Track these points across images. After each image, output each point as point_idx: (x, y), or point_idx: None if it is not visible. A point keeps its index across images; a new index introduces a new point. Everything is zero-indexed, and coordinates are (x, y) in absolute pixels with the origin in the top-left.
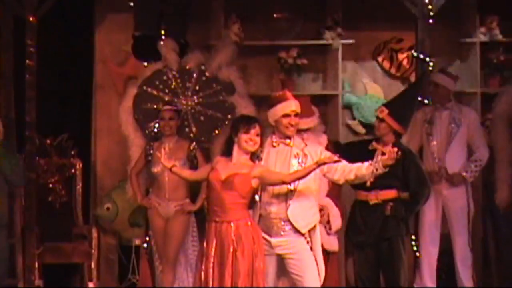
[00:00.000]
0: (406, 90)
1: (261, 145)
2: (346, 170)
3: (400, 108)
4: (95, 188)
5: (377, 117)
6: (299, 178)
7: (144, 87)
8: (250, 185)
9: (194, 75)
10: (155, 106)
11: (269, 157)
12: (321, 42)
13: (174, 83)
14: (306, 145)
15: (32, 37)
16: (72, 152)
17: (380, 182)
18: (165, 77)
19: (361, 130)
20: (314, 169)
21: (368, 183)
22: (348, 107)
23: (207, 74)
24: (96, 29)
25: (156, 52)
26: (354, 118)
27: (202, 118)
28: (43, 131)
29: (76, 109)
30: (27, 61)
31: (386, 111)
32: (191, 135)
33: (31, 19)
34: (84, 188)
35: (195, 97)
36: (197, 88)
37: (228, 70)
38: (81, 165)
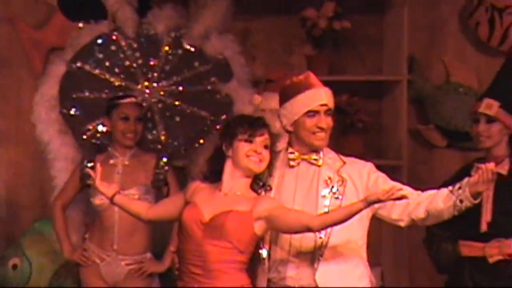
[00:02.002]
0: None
1: (271, 164)
2: (412, 204)
3: None
4: None
5: (479, 117)
6: (334, 224)
7: (78, 64)
8: (252, 232)
9: (164, 46)
10: (96, 96)
11: (284, 184)
12: None
13: (129, 58)
14: (344, 163)
15: None
16: None
17: (504, 224)
18: (113, 47)
19: (440, 140)
20: (360, 210)
21: (484, 227)
22: (418, 101)
23: (185, 45)
24: None
25: (98, 6)
26: (427, 121)
27: (177, 118)
28: None
29: None
30: None
31: (496, 104)
32: (159, 145)
33: None
34: None
35: (164, 83)
36: (167, 67)
37: (221, 40)
38: None
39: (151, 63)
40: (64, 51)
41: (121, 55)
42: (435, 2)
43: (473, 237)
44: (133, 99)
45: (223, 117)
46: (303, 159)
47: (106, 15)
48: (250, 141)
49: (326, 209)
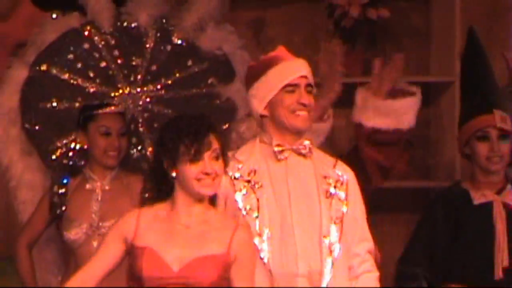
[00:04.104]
0: None
1: (225, 169)
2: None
3: None
4: None
5: (488, 134)
6: None
7: (44, 66)
8: (228, 275)
9: (148, 41)
10: (67, 106)
11: (274, 183)
12: None
13: (106, 58)
14: (336, 160)
15: None
16: None
17: None
18: (86, 45)
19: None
20: None
21: (499, 273)
22: None
23: (174, 39)
24: None
25: None
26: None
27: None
28: None
29: None
30: None
31: (509, 117)
32: (146, 164)
33: None
34: None
35: (150, 87)
36: (154, 67)
37: (219, 32)
38: None
39: (133, 63)
40: (25, 51)
41: (96, 55)
42: None
43: (483, 285)
44: (114, 108)
45: (225, 126)
46: (290, 149)
47: (76, 5)
48: (197, 160)
49: (329, 213)
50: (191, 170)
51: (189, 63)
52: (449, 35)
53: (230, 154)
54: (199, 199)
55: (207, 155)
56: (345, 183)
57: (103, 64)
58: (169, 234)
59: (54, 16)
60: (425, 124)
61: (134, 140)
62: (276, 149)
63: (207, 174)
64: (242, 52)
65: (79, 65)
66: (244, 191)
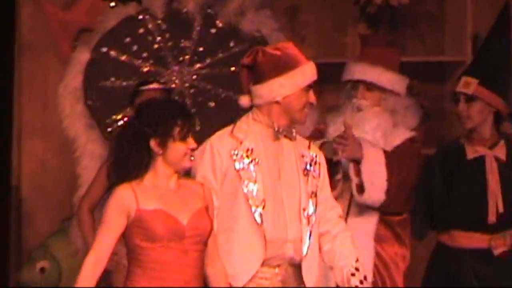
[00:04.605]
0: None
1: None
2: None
3: (494, 70)
4: (19, 233)
5: (458, 97)
6: None
7: (103, 49)
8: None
9: (195, 25)
10: (124, 84)
11: (268, 159)
12: None
13: (158, 41)
14: (310, 142)
15: None
16: None
17: (509, 214)
18: (141, 30)
19: (508, 128)
20: None
21: (493, 218)
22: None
23: (218, 23)
24: None
25: None
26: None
27: (211, 103)
28: None
29: None
30: None
31: (475, 82)
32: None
33: None
34: None
35: (197, 66)
36: (200, 49)
37: (258, 16)
38: None
39: (182, 45)
40: (88, 37)
41: (149, 38)
42: None
43: (477, 229)
44: (156, 85)
45: None
46: (285, 135)
47: None
48: (186, 139)
49: (306, 188)
50: (181, 147)
51: (231, 44)
52: (461, 20)
53: (227, 129)
54: (177, 169)
55: (190, 137)
56: (318, 162)
57: (155, 46)
58: (164, 198)
59: (112, 4)
60: (440, 98)
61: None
62: (276, 129)
63: (192, 149)
64: (278, 33)
65: (134, 48)
66: (242, 166)
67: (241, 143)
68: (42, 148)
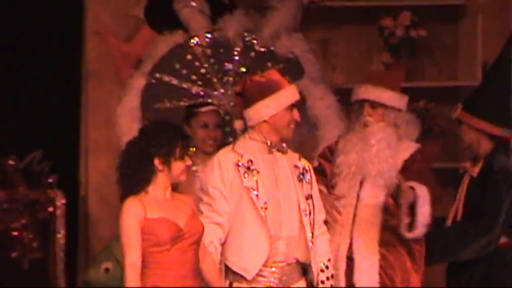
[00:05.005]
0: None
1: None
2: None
3: (483, 97)
4: (86, 237)
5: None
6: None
7: (157, 75)
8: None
9: (236, 50)
10: (176, 104)
11: (267, 170)
12: (450, 1)
13: (204, 65)
14: (299, 154)
15: None
16: (50, 180)
17: None
18: (189, 56)
19: None
20: None
21: (449, 222)
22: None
23: (257, 47)
24: None
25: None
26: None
27: None
28: (3, 146)
29: (55, 111)
30: None
31: (459, 107)
32: None
33: None
34: (68, 237)
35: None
36: (242, 70)
37: (291, 39)
38: (63, 201)
39: (226, 68)
40: (142, 63)
41: (197, 63)
42: (507, 9)
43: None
44: (210, 107)
45: None
46: (278, 148)
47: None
48: (183, 158)
49: (302, 192)
50: (181, 165)
51: (269, 65)
52: (472, 49)
53: (230, 147)
54: (174, 182)
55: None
56: (308, 170)
57: (202, 70)
58: (164, 207)
59: (164, 34)
60: (455, 119)
61: (228, 130)
62: (269, 144)
63: (187, 166)
64: (308, 54)
65: (184, 72)
66: (245, 175)
67: (241, 156)
68: (105, 163)
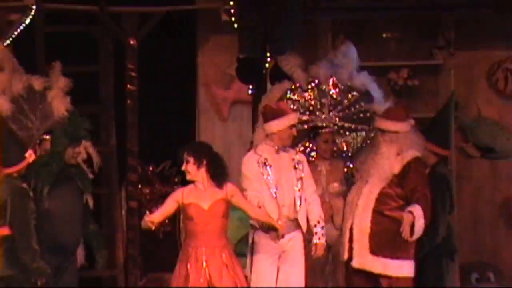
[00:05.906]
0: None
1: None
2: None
3: (432, 128)
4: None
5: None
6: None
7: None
8: (228, 211)
9: (328, 88)
10: (299, 128)
11: (275, 164)
12: (433, 62)
13: (309, 101)
14: (296, 150)
15: (133, 61)
16: (176, 180)
17: None
18: (296, 97)
19: (475, 153)
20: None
21: None
22: (461, 129)
23: (340, 85)
24: (199, 51)
25: (261, 75)
26: (467, 141)
27: (347, 133)
28: (145, 158)
29: (179, 135)
30: (128, 85)
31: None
32: (343, 153)
33: (131, 42)
34: None
35: (334, 112)
36: (333, 102)
37: (360, 76)
38: None
39: (323, 101)
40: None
41: (302, 100)
42: (469, 66)
43: None
44: (328, 129)
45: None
46: (282, 149)
47: (264, 80)
48: None
49: (296, 176)
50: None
51: (349, 96)
52: (448, 93)
53: (253, 150)
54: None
55: None
56: (301, 161)
57: (306, 104)
58: (197, 194)
59: (250, 88)
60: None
61: (338, 141)
62: (276, 147)
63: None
64: (375, 85)
65: (294, 107)
66: (264, 169)
67: (260, 156)
68: None
